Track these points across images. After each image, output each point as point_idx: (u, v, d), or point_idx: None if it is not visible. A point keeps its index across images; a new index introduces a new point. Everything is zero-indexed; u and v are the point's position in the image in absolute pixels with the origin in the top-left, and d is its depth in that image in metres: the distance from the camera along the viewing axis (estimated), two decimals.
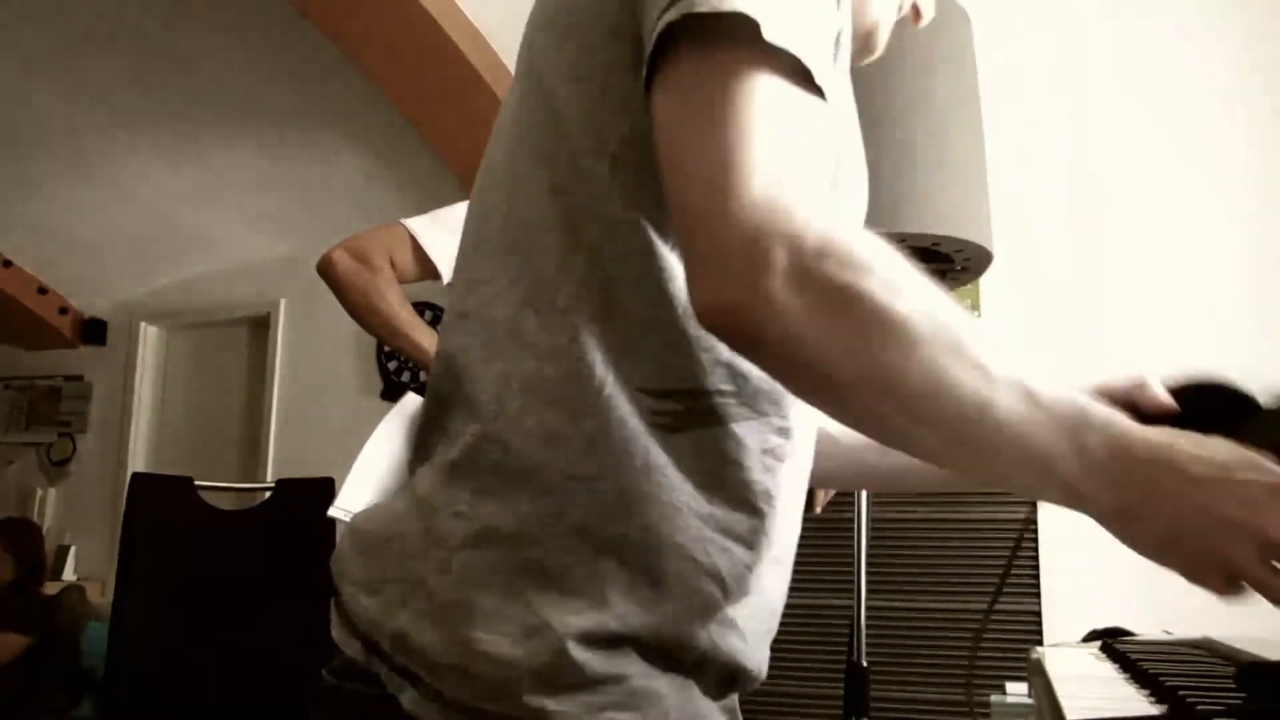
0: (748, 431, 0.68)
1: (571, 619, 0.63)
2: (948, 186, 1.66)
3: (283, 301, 4.82)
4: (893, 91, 1.65)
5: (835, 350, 0.55)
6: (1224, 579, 0.56)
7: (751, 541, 0.69)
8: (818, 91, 0.59)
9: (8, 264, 5.03)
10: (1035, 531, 2.24)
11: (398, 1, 3.11)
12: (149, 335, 5.24)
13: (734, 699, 0.75)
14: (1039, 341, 2.71)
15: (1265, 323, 2.58)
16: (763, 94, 0.57)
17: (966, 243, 1.69)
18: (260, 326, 4.93)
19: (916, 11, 0.88)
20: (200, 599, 2.71)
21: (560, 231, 0.66)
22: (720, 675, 0.70)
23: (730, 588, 0.68)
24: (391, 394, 4.35)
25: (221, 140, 4.51)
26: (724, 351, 0.66)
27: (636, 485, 0.64)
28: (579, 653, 0.62)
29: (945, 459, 0.58)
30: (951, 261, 1.77)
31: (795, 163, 0.57)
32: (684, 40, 0.59)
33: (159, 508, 2.75)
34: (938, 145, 1.66)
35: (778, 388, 0.68)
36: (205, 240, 4.91)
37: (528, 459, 0.65)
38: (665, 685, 0.66)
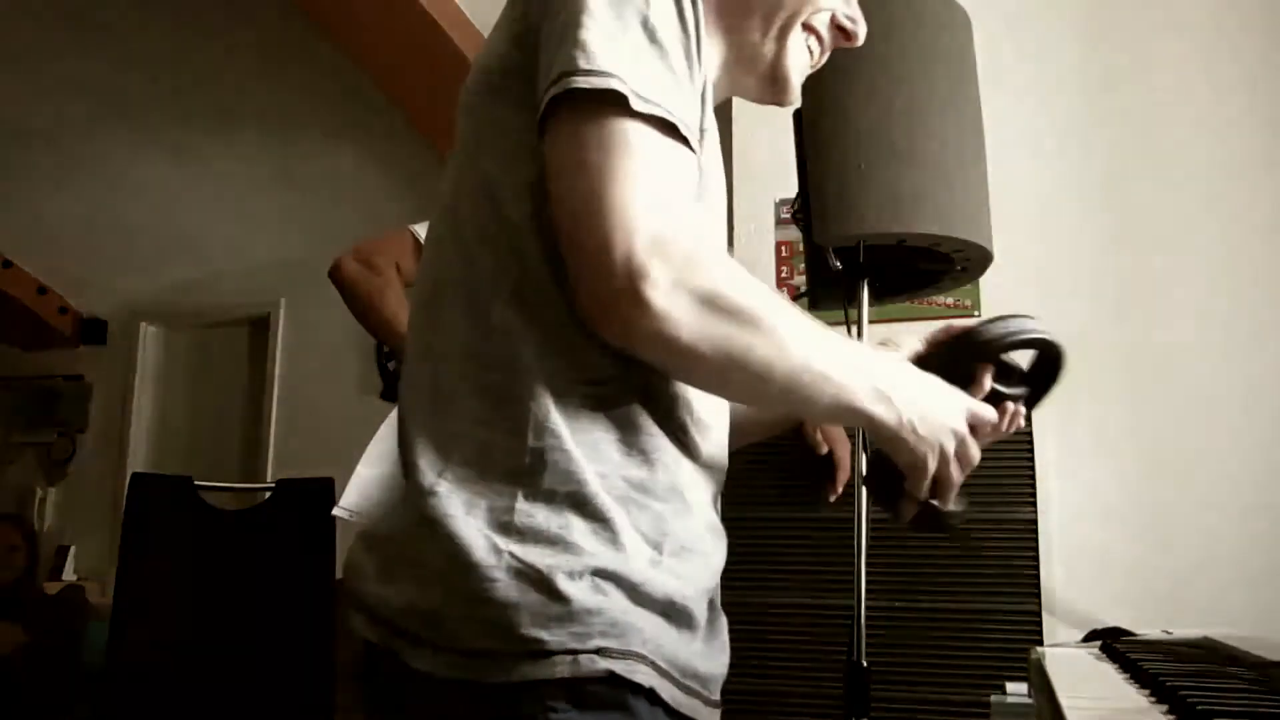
0: (650, 409, 0.82)
1: (551, 560, 0.74)
2: (948, 186, 1.66)
3: (283, 301, 4.82)
4: (893, 91, 1.65)
5: (702, 339, 0.72)
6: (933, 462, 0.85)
7: (667, 497, 0.81)
8: (678, 136, 0.75)
9: (8, 264, 5.03)
10: (1035, 531, 2.24)
11: (398, 2, 3.11)
12: (149, 335, 5.24)
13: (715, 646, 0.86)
14: None
15: (1272, 322, 2.58)
16: (627, 142, 0.73)
17: (966, 243, 1.69)
18: (260, 326, 4.93)
19: (845, 34, 0.98)
20: (200, 599, 2.71)
21: (491, 267, 0.81)
22: (680, 615, 0.80)
23: (654, 540, 0.80)
24: (391, 394, 4.35)
25: (222, 140, 4.51)
26: (608, 348, 0.79)
27: (579, 453, 0.78)
28: (565, 586, 0.73)
29: (777, 406, 0.84)
30: (951, 261, 1.77)
31: (660, 194, 0.73)
32: (568, 104, 0.74)
33: (159, 508, 2.75)
34: (938, 145, 1.66)
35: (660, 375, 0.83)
36: (206, 240, 4.91)
37: (497, 444, 0.78)
38: (642, 619, 0.76)
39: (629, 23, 0.76)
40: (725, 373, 0.75)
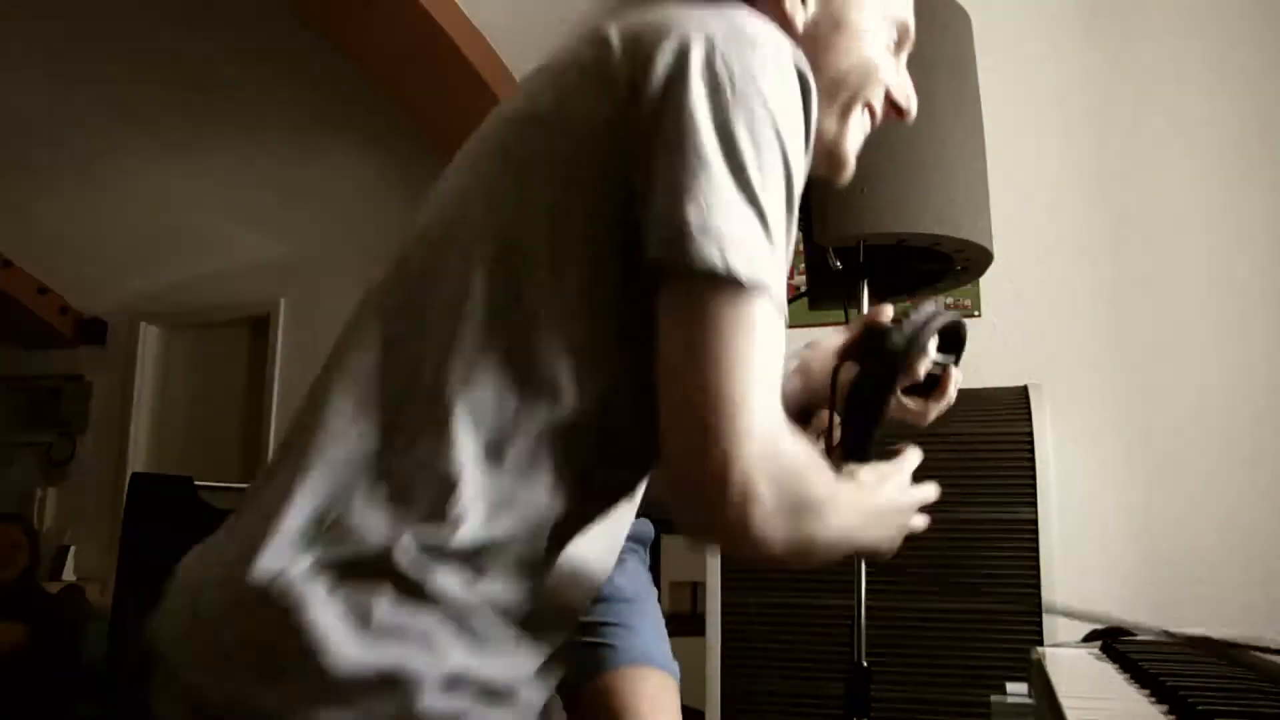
0: (557, 538, 0.76)
1: (413, 665, 0.68)
2: (948, 186, 1.66)
3: (283, 301, 4.82)
4: None
5: (786, 544, 0.72)
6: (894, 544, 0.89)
7: (534, 629, 0.77)
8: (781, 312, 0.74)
9: (8, 264, 5.02)
10: (1035, 531, 2.24)
11: (398, 3, 3.11)
12: (149, 335, 5.24)
13: None
14: (1038, 342, 2.71)
15: (1271, 322, 2.58)
16: (756, 337, 0.70)
17: (967, 243, 1.69)
18: (260, 326, 4.92)
19: (898, 110, 0.98)
20: None
21: (483, 333, 0.73)
22: (529, 711, 0.80)
23: (513, 652, 0.76)
24: None
25: (222, 140, 4.51)
26: (566, 475, 0.74)
27: (470, 572, 0.71)
28: (426, 696, 0.68)
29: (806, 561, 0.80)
30: (951, 261, 1.77)
31: (773, 398, 0.71)
32: (699, 276, 0.69)
33: (159, 508, 2.75)
34: (938, 145, 1.66)
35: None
36: (205, 240, 4.91)
37: (393, 526, 0.70)
38: (498, 717, 0.74)
39: (772, 173, 0.72)
40: (790, 561, 0.77)
